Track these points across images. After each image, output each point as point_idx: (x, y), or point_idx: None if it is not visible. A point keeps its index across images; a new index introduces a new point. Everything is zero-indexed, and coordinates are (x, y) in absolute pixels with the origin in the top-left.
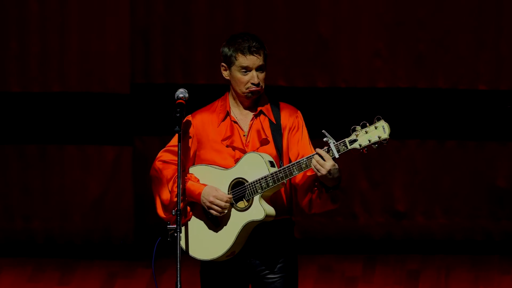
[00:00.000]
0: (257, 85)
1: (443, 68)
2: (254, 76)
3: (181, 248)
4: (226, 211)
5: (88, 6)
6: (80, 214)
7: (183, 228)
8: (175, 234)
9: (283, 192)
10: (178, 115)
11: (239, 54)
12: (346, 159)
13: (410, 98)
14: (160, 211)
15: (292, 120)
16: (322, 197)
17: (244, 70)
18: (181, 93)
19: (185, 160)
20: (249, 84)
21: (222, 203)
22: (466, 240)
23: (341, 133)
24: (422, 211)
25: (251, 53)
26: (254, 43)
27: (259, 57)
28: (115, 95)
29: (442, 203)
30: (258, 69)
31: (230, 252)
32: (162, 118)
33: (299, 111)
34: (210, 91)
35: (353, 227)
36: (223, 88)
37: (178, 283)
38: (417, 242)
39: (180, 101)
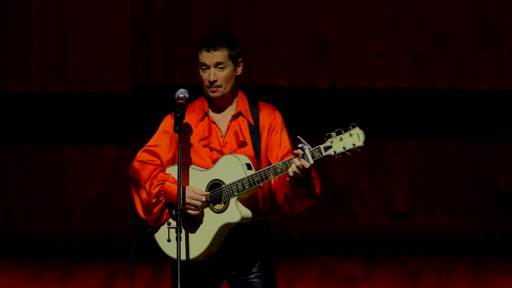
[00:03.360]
0: (212, 83)
1: (443, 68)
2: (210, 74)
3: (159, 248)
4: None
5: (89, 6)
6: (80, 214)
7: (161, 228)
8: (168, 232)
9: (259, 194)
10: (178, 115)
11: (200, 50)
12: (346, 159)
13: (410, 98)
14: (140, 211)
15: (270, 120)
16: (298, 192)
17: (204, 67)
18: (182, 93)
19: (165, 159)
20: (207, 83)
21: (199, 203)
22: (466, 240)
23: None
24: (422, 211)
25: (207, 49)
26: (212, 39)
27: (216, 53)
28: (116, 95)
29: (442, 203)
30: (217, 66)
31: (207, 252)
32: (163, 118)
33: (278, 111)
34: None
35: (353, 227)
36: None
37: (178, 282)
38: (417, 242)
39: (181, 101)
